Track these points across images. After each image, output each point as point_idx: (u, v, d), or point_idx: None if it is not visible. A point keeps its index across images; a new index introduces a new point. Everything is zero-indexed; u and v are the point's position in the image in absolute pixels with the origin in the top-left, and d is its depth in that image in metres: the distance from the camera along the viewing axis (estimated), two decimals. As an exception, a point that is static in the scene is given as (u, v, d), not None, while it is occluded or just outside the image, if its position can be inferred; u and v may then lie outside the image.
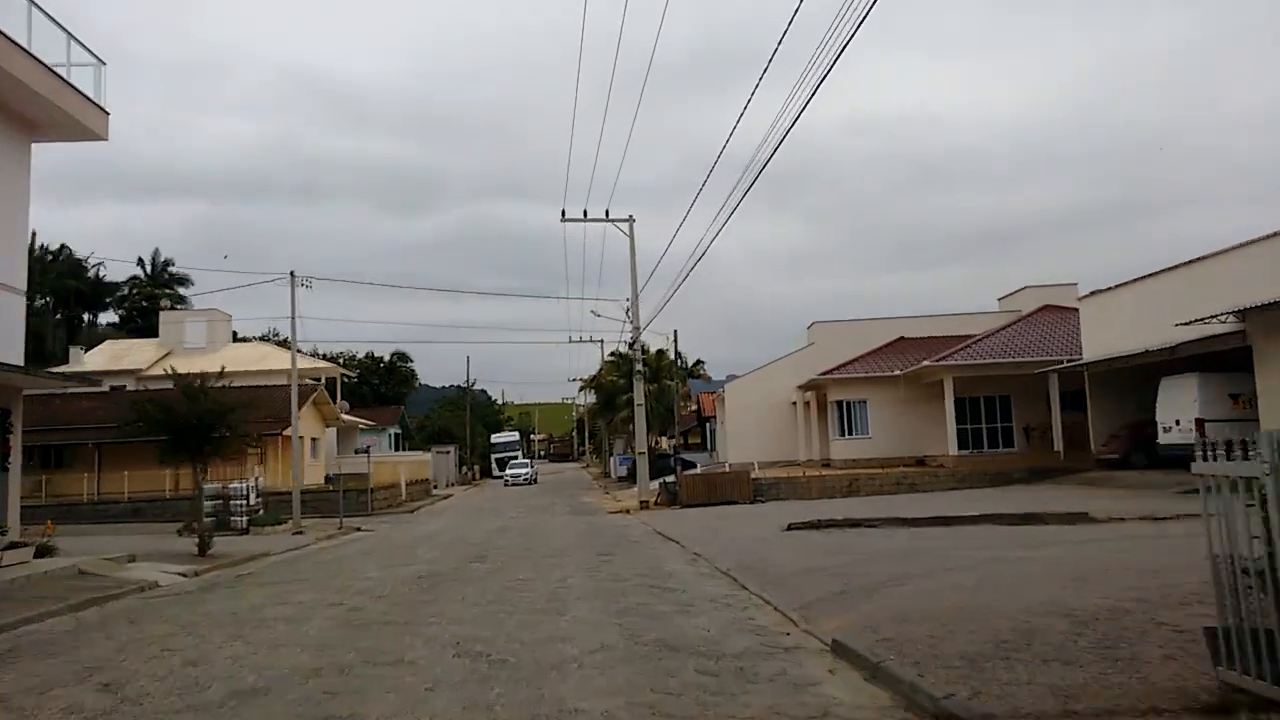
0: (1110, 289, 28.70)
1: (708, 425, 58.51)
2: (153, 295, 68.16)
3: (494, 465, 74.69)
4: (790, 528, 17.53)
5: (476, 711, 6.03)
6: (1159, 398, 24.86)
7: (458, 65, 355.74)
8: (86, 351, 51.91)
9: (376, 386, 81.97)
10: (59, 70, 16.27)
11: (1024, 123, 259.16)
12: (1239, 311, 19.53)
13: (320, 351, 72.30)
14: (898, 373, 35.98)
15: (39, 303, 69.29)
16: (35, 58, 15.51)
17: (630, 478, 46.18)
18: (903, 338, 40.19)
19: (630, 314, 31.69)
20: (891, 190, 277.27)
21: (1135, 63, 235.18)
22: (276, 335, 67.23)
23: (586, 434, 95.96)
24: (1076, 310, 36.34)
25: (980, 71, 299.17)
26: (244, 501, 26.69)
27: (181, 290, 69.16)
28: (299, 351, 59.32)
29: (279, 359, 44.06)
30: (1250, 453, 4.78)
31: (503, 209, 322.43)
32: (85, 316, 75.54)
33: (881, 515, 18.43)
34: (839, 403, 36.97)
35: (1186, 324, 20.76)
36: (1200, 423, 22.37)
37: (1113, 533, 14.63)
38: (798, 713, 5.69)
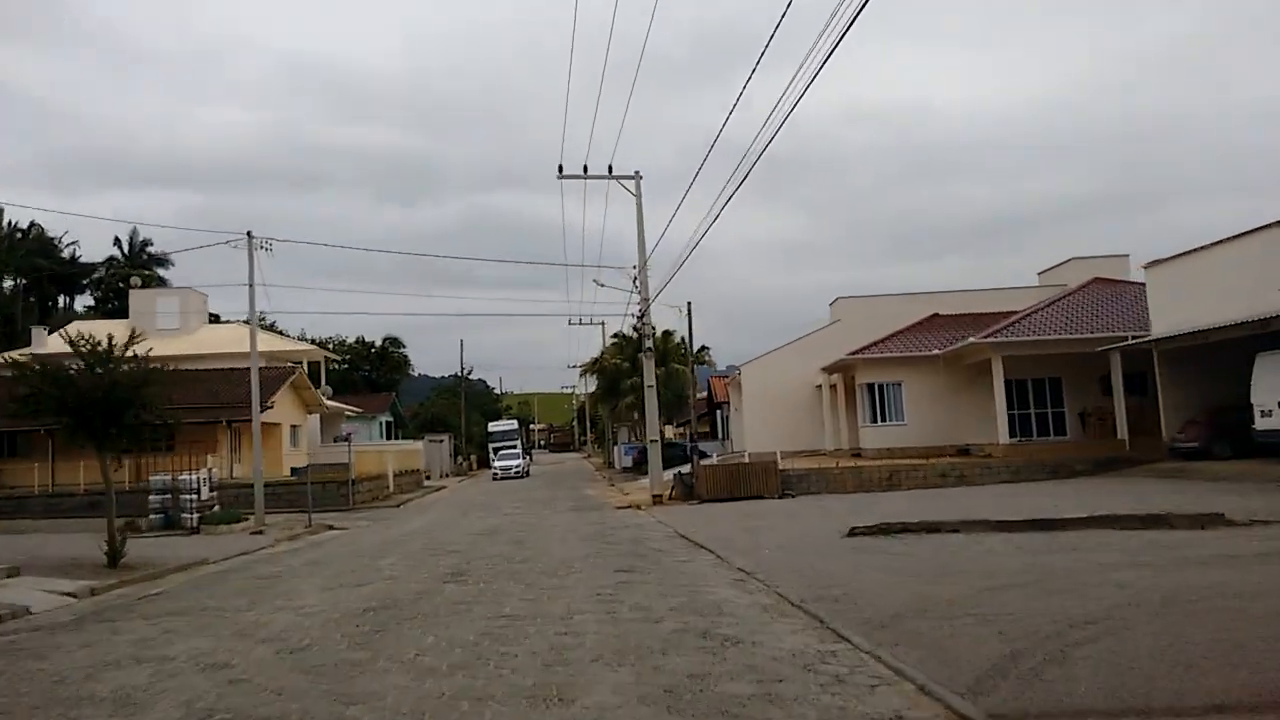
0: (1181, 254, 25.20)
1: (719, 412, 54.89)
2: (129, 276, 64.47)
3: (491, 455, 71.15)
4: (854, 533, 13.89)
5: None
6: (1255, 376, 21.48)
7: (455, 52, 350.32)
8: (50, 333, 48.20)
9: (368, 373, 78.45)
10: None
11: (1023, 114, 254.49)
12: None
13: (310, 337, 68.90)
14: (936, 352, 32.43)
15: (8, 283, 65.78)
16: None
17: (636, 468, 42.47)
18: (936, 315, 36.57)
19: (638, 283, 27.92)
20: (886, 182, 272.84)
21: (1135, 55, 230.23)
22: (263, 319, 63.63)
23: (588, 422, 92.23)
24: (1131, 283, 32.86)
25: (979, 63, 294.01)
26: (194, 496, 23.11)
27: (161, 271, 65.67)
28: (280, 333, 56.14)
29: (261, 342, 40.41)
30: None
31: (503, 199, 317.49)
32: (61, 299, 72.05)
33: (958, 517, 14.80)
34: (869, 386, 33.36)
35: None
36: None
37: (1276, 541, 11.25)
38: None
